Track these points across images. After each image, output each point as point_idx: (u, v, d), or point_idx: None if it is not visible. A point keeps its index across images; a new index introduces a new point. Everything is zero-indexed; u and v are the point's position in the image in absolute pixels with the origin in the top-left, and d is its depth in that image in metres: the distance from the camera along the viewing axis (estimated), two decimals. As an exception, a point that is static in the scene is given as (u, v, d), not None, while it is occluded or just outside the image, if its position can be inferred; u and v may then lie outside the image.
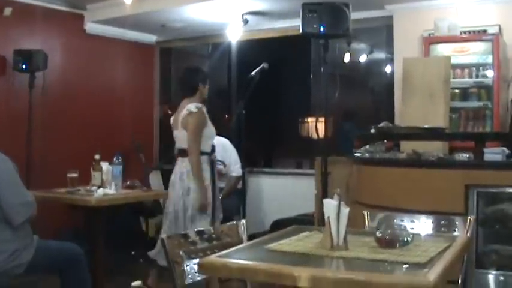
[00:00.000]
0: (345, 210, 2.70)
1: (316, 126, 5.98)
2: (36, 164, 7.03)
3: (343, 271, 2.55)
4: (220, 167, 7.17)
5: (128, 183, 5.81)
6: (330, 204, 2.72)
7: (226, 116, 9.19)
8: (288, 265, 2.47)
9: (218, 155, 7.16)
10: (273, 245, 2.79)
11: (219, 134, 7.36)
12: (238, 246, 2.94)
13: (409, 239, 2.71)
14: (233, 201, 6.76)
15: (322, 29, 5.29)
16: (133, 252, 7.08)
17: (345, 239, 2.69)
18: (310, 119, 8.50)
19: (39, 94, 7.33)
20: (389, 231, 2.80)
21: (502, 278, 4.56)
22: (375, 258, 2.54)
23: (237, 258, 2.61)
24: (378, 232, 2.77)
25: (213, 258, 2.59)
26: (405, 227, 3.28)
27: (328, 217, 2.68)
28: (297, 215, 6.54)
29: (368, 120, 7.41)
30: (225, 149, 7.20)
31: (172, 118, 5.65)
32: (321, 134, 5.85)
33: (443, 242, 2.89)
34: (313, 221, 6.50)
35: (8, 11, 7.31)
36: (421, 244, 2.77)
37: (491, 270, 4.59)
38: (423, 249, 2.67)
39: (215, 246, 3.10)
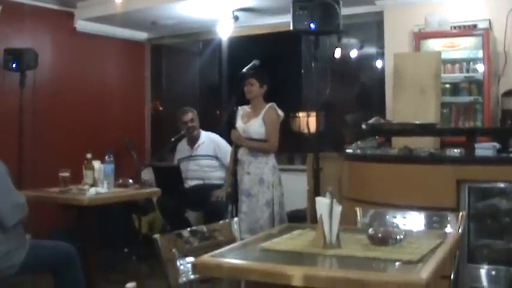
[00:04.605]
0: (338, 208, 2.71)
1: (308, 121, 6.00)
2: (28, 164, 7.00)
3: (336, 269, 2.57)
4: (212, 161, 7.22)
5: (120, 181, 5.82)
6: (322, 203, 2.72)
7: (218, 112, 9.19)
8: (281, 264, 2.48)
9: (210, 151, 7.23)
10: (267, 244, 2.81)
11: (210, 130, 7.44)
12: (232, 245, 2.95)
13: (401, 236, 2.73)
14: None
15: (312, 25, 5.29)
16: (126, 250, 7.08)
17: (337, 237, 2.70)
18: (301, 114, 8.49)
19: (30, 93, 7.30)
20: (381, 229, 2.81)
21: (493, 272, 4.58)
22: (368, 256, 2.55)
23: (230, 258, 2.62)
24: (370, 230, 2.79)
25: (206, 258, 2.60)
26: (397, 224, 3.29)
27: (321, 215, 2.69)
28: (290, 210, 6.54)
29: (359, 115, 7.43)
30: (216, 144, 7.27)
31: None
32: (313, 128, 5.87)
33: (435, 238, 2.91)
34: (305, 216, 6.52)
35: (-3, 9, 7.28)
36: (414, 241, 2.79)
37: (483, 264, 4.62)
38: (415, 246, 2.69)
39: (209, 245, 3.12)
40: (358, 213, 3.72)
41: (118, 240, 7.01)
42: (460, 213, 3.51)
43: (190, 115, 7.31)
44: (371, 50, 8.16)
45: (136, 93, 9.37)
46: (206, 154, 7.28)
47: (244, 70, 5.88)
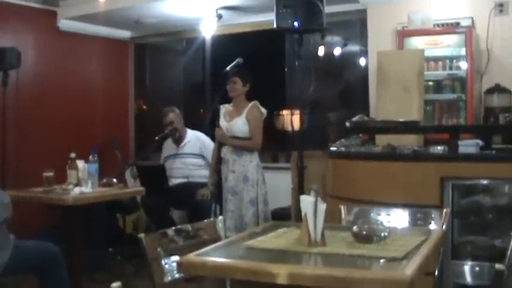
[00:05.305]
0: (322, 206, 2.71)
1: (292, 119, 6.00)
2: (12, 164, 6.96)
3: (321, 267, 2.58)
4: (198, 160, 7.21)
5: (104, 180, 5.81)
6: (306, 201, 2.73)
7: (201, 110, 9.18)
8: (266, 262, 2.48)
9: (196, 149, 7.22)
10: (252, 242, 2.81)
11: (194, 128, 7.42)
12: (217, 244, 2.95)
13: (385, 233, 2.73)
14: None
15: (296, 24, 5.32)
16: (110, 250, 7.06)
17: (322, 234, 2.70)
18: (285, 112, 8.50)
19: (13, 92, 7.25)
20: (366, 226, 2.82)
21: (477, 268, 4.61)
22: (353, 254, 2.56)
23: (215, 257, 2.62)
24: (354, 227, 2.79)
25: (191, 256, 2.59)
26: (381, 221, 3.30)
27: (306, 213, 2.69)
28: (274, 208, 6.55)
29: (343, 113, 7.46)
30: (202, 142, 7.26)
31: None
32: (297, 126, 5.89)
33: (419, 235, 2.92)
34: (289, 214, 6.53)
35: (-21, 8, 7.24)
36: (398, 238, 2.80)
37: (467, 261, 4.65)
38: (400, 243, 2.70)
39: (194, 243, 3.11)
40: (343, 211, 3.72)
41: (102, 240, 6.98)
42: (444, 210, 3.53)
43: (171, 116, 7.25)
44: (354, 48, 8.17)
45: (120, 92, 9.32)
46: (192, 152, 7.26)
47: (227, 68, 5.89)
